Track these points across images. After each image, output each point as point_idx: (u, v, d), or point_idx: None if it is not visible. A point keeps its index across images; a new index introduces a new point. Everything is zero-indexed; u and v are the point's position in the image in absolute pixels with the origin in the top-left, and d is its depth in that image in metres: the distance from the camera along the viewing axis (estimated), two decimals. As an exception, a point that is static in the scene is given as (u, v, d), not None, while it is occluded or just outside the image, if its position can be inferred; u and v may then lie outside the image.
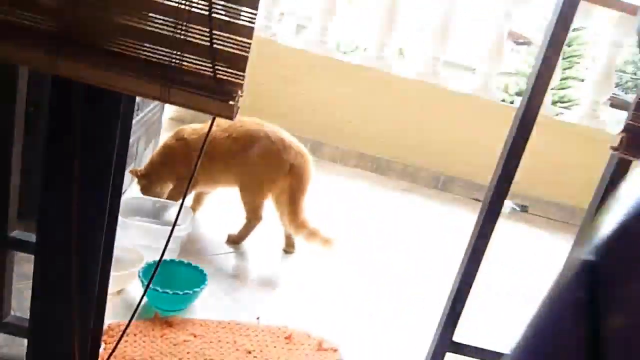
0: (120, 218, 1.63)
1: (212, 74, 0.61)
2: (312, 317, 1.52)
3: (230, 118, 0.63)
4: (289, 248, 1.93)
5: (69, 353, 0.91)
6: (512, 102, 5.60)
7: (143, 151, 2.17)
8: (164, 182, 1.91)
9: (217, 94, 0.61)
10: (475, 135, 3.66)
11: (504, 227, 3.08)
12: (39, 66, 0.62)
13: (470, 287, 1.00)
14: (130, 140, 1.88)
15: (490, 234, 0.97)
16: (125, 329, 1.03)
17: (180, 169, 1.86)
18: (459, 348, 1.04)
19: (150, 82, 0.60)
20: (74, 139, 0.69)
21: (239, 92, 0.62)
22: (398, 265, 2.09)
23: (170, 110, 3.44)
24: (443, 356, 1.06)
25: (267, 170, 1.83)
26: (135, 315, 1.32)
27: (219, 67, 0.61)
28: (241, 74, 0.61)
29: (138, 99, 1.88)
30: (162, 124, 2.59)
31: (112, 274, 1.35)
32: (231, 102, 0.62)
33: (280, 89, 3.52)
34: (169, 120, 3.43)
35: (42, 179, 0.75)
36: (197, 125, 1.94)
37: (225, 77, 0.61)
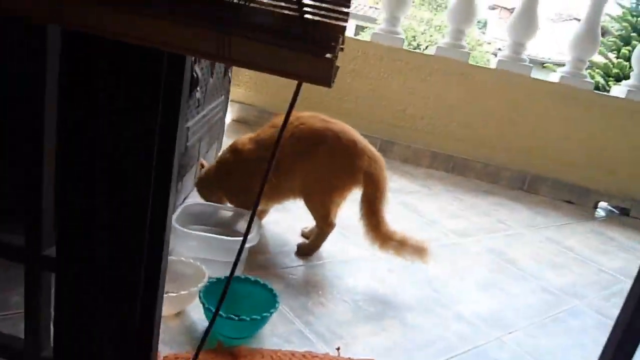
0: (179, 227, 1.47)
1: (296, 13, 0.38)
2: (403, 347, 1.27)
3: (327, 83, 0.39)
4: None
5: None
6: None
7: (205, 153, 2.02)
8: (218, 194, 1.72)
9: (305, 44, 0.38)
10: (564, 128, 3.25)
11: (598, 230, 2.69)
12: (39, 17, 0.41)
13: None
14: (191, 141, 1.73)
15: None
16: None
17: (236, 181, 1.66)
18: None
19: (200, 29, 0.38)
20: (94, 121, 0.48)
21: (340, 40, 0.38)
22: (487, 282, 1.79)
23: (233, 110, 3.30)
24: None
25: (336, 176, 1.59)
26: (196, 346, 1.12)
27: (308, 2, 0.38)
28: (343, 9, 0.38)
29: (199, 94, 1.72)
30: (226, 124, 2.43)
31: (168, 294, 1.18)
32: (328, 55, 0.38)
33: (346, 83, 3.28)
34: (232, 122, 3.29)
35: (55, 177, 0.55)
36: (252, 134, 1.73)
37: (316, 18, 0.38)
